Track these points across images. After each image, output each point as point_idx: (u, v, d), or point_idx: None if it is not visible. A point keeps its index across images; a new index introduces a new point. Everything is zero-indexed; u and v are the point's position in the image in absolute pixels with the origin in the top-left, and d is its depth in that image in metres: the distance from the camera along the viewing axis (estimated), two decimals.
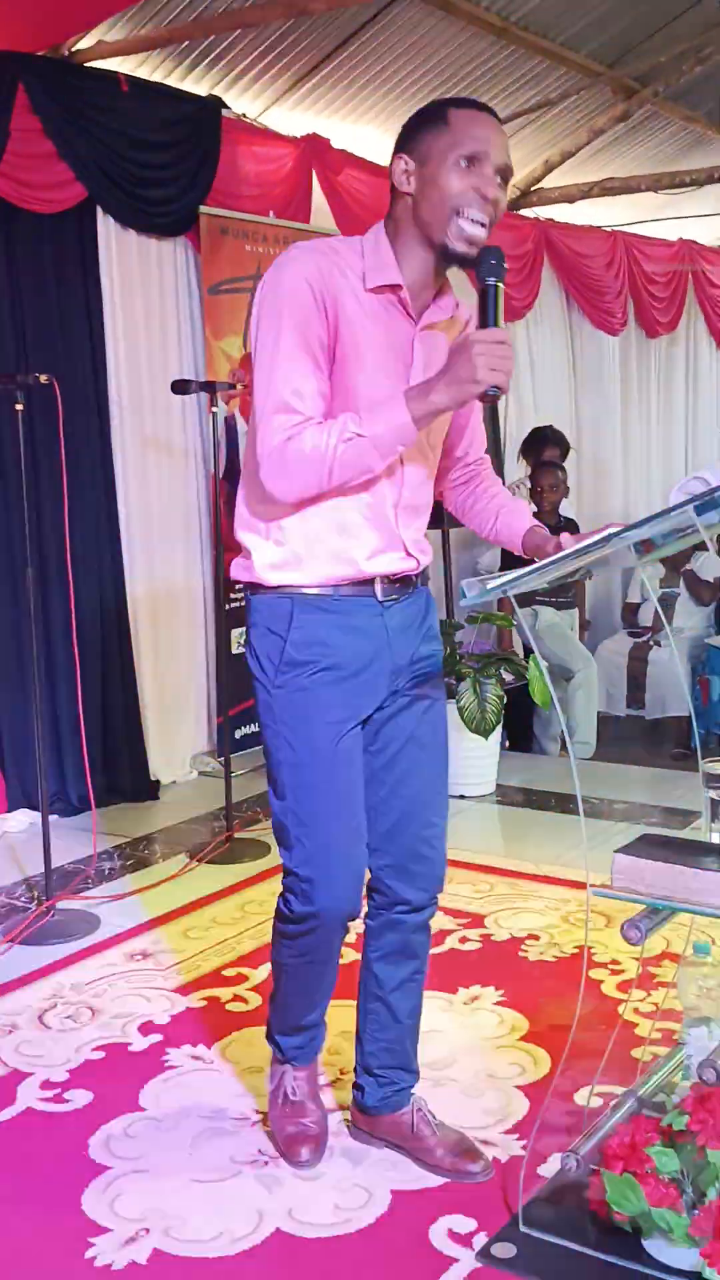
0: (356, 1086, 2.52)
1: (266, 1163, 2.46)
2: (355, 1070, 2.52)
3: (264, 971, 3.25)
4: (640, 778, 5.46)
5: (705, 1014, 2.36)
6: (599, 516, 7.50)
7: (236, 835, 4.45)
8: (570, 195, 7.24)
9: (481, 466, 2.47)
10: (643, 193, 7.34)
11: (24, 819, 4.70)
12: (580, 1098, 2.58)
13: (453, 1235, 2.22)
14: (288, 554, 2.19)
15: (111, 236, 5.02)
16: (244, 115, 5.58)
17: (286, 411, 2.05)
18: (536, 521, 2.38)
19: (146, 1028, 3.07)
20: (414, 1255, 2.18)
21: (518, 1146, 2.49)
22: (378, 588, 2.22)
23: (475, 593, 2.03)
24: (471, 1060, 2.86)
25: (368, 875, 2.34)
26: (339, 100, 5.85)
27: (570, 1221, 2.19)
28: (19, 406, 3.67)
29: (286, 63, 5.44)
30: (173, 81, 5.26)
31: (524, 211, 7.36)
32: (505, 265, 2.02)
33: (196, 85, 5.33)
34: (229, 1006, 3.17)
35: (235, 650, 5.26)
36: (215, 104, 5.26)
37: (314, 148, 5.67)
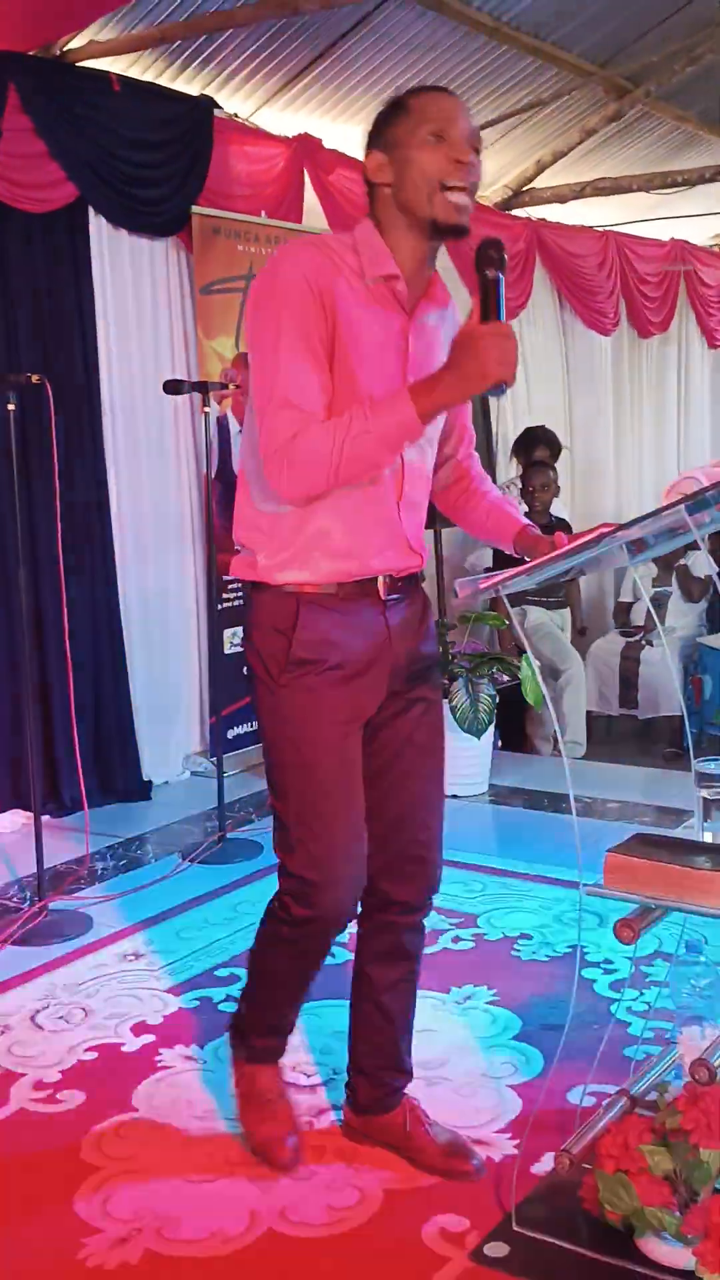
0: (349, 1087, 2.52)
1: (259, 1163, 2.46)
2: (348, 1070, 2.52)
3: None
4: (633, 777, 5.47)
5: (698, 1013, 2.36)
6: (591, 516, 7.51)
7: (229, 835, 4.45)
8: (562, 195, 7.25)
9: (471, 463, 2.47)
10: (635, 193, 7.35)
11: (16, 819, 4.69)
12: (573, 1097, 2.58)
13: (445, 1235, 2.22)
14: (293, 552, 2.17)
15: (103, 236, 5.01)
16: (236, 115, 5.58)
17: (290, 409, 2.03)
18: (528, 520, 2.38)
19: (139, 1028, 3.07)
20: (407, 1255, 2.17)
21: (511, 1146, 2.49)
22: (381, 586, 2.22)
23: (468, 592, 2.03)
24: (464, 1060, 2.86)
25: None
26: (331, 100, 5.85)
27: (563, 1221, 2.19)
28: (11, 407, 3.67)
29: (278, 63, 5.44)
30: (164, 81, 5.25)
31: (516, 211, 7.36)
32: (505, 257, 2.01)
33: (188, 85, 5.33)
34: (221, 1007, 3.16)
35: (228, 650, 5.26)
36: (207, 104, 5.25)
37: (306, 147, 5.66)
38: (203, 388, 4.40)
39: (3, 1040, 3.01)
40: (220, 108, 5.35)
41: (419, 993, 2.52)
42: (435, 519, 5.31)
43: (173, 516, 5.41)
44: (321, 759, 2.19)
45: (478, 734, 4.85)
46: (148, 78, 5.19)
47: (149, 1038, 3.02)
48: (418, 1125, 2.45)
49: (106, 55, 4.87)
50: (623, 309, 8.26)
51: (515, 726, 6.15)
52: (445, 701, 4.71)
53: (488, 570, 5.89)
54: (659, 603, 6.93)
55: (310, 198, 5.72)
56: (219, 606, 4.90)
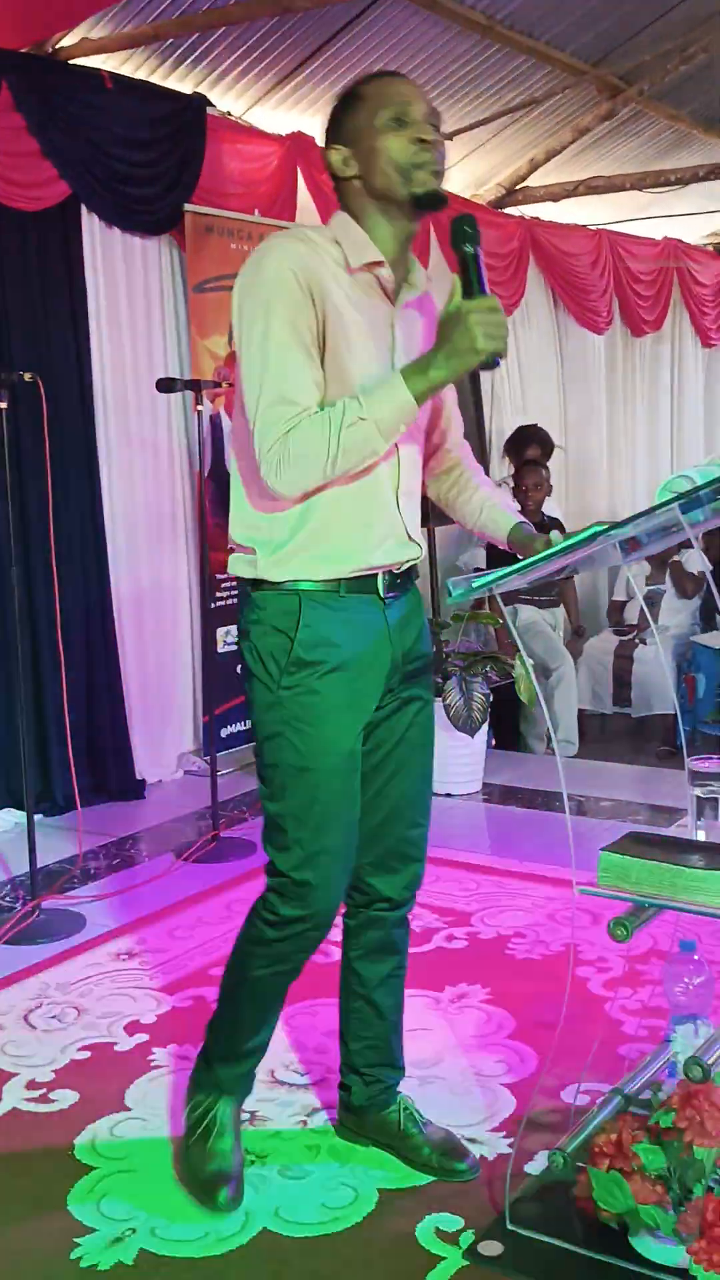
0: (343, 1086, 2.52)
1: (253, 1162, 2.45)
2: (341, 1070, 2.51)
3: None
4: (626, 775, 5.47)
5: (691, 1011, 2.36)
6: (585, 514, 7.51)
7: (222, 834, 4.45)
8: (555, 194, 7.25)
9: (463, 453, 2.47)
10: (628, 191, 7.35)
11: (9, 818, 4.69)
12: (567, 1095, 2.58)
13: (440, 1233, 2.22)
14: (293, 549, 2.15)
15: (96, 234, 5.01)
16: (229, 113, 5.57)
17: (282, 405, 2.02)
18: (522, 517, 2.38)
19: (132, 1027, 3.07)
20: (401, 1254, 2.17)
21: (504, 1144, 2.49)
22: (380, 583, 2.21)
23: (461, 590, 2.03)
24: (458, 1058, 2.86)
25: None
26: (324, 98, 5.83)
27: (557, 1219, 2.19)
28: (3, 405, 3.65)
29: (271, 60, 5.43)
30: (157, 79, 5.25)
31: (509, 210, 7.37)
32: (478, 230, 2.01)
33: (181, 83, 5.32)
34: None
35: (221, 649, 5.25)
36: (200, 102, 5.25)
37: (299, 146, 5.66)
38: (196, 386, 4.39)
39: None
40: (213, 106, 5.35)
41: (412, 991, 2.52)
42: (430, 515, 5.34)
43: (166, 515, 5.40)
44: (324, 761, 2.17)
45: (471, 732, 4.86)
46: (140, 75, 5.18)
47: (142, 1037, 3.01)
48: (412, 1124, 2.45)
49: (99, 53, 4.86)
50: (616, 308, 8.26)
51: (509, 725, 6.15)
52: (439, 700, 4.72)
53: (479, 570, 5.89)
54: (652, 601, 6.93)
55: (303, 196, 5.72)
56: (212, 605, 4.89)
